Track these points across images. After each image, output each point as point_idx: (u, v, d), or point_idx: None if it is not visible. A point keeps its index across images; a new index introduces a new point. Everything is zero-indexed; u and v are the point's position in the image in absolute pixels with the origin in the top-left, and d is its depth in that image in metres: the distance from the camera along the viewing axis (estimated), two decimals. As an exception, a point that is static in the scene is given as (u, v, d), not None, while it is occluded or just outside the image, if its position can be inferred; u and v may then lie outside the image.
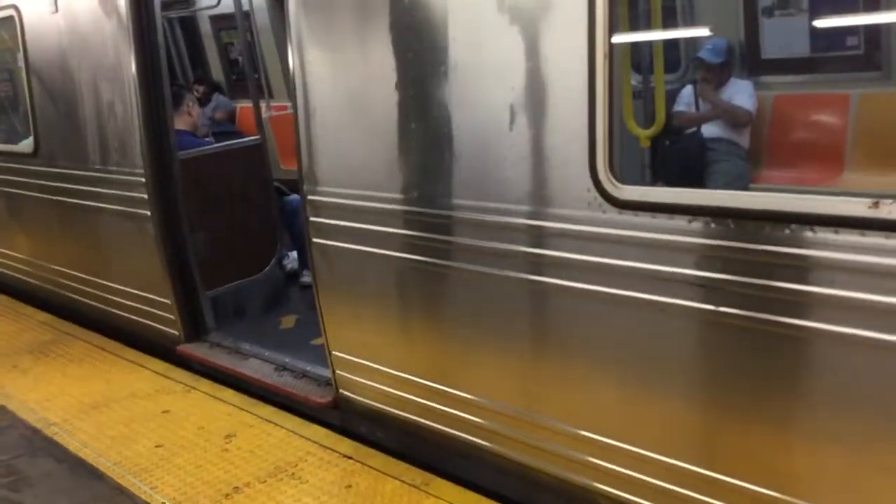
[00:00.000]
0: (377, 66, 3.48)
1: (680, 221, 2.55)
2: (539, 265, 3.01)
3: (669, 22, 5.07)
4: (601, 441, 2.98)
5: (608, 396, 2.94)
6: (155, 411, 4.49)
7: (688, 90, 5.62)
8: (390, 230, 3.57)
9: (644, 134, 4.38)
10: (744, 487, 2.60)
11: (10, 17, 5.98)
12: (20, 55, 5.94)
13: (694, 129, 5.43)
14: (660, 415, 2.80)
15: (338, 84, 3.73)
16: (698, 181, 5.19)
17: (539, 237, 2.98)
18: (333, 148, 3.81)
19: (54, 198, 6.01)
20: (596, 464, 3.02)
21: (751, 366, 2.51)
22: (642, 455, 2.86)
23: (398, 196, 3.50)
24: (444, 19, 3.17)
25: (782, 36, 5.57)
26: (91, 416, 4.48)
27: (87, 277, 5.95)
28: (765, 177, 5.57)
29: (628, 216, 2.68)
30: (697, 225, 2.52)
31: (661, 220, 2.60)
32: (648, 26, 4.52)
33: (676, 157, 5.19)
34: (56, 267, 6.30)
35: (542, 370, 3.15)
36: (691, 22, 5.70)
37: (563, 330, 3.04)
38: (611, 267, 2.76)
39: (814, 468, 2.45)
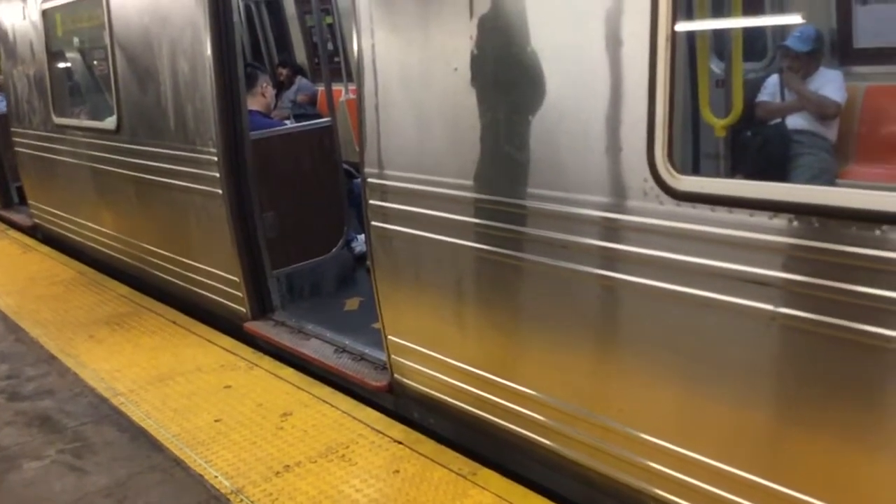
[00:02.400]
0: (441, 49, 3.42)
1: (741, 215, 2.41)
2: (595, 257, 2.91)
3: (753, 8, 4.82)
4: (657, 444, 2.87)
5: (663, 397, 2.82)
6: (217, 386, 4.58)
7: (773, 79, 5.35)
8: (448, 216, 3.51)
9: (720, 123, 4.18)
10: (806, 502, 2.45)
11: (98, -3, 6.17)
12: (105, 33, 6.12)
13: (778, 120, 5.17)
14: (718, 419, 2.67)
15: (402, 67, 3.69)
16: (780, 174, 4.95)
17: (595, 227, 2.88)
18: (395, 131, 3.77)
19: (135, 174, 6.19)
20: (650, 466, 2.90)
21: (821, 373, 2.36)
22: (699, 461, 2.73)
23: (457, 181, 3.44)
24: (509, 2, 3.09)
25: (876, 24, 5.23)
26: (157, 388, 4.60)
27: (163, 252, 6.11)
28: (852, 173, 5.26)
29: (686, 208, 2.55)
30: (760, 219, 2.37)
31: (721, 213, 2.46)
32: (728, 12, 4.31)
33: (757, 148, 4.95)
34: (135, 241, 6.51)
35: (598, 366, 3.05)
36: (778, 8, 5.42)
37: (619, 326, 2.94)
38: (667, 261, 2.64)
39: (888, 484, 2.28)
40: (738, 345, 2.55)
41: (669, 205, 2.58)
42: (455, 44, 3.32)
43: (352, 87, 9.47)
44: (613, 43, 2.71)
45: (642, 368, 2.87)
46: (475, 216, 3.38)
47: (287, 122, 6.88)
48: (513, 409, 3.43)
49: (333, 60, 9.32)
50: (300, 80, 10.49)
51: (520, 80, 3.08)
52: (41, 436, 4.14)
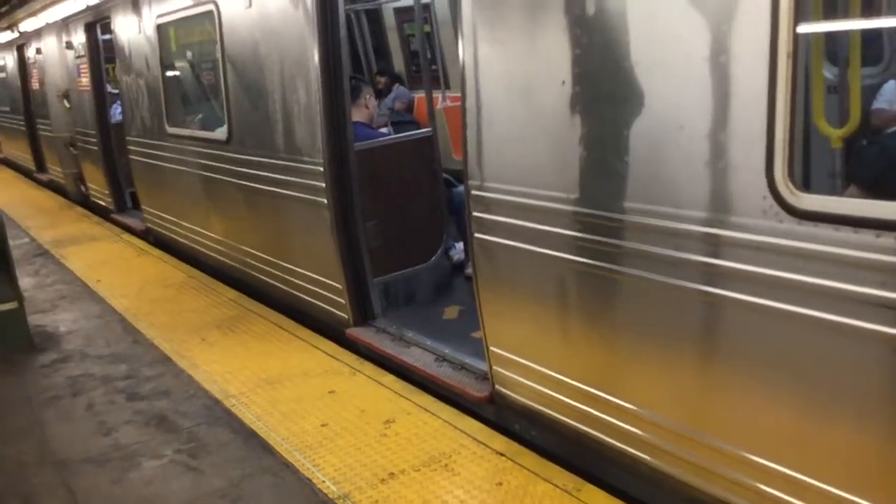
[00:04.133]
0: (547, 61, 3.43)
1: (867, 236, 2.32)
2: (708, 274, 2.85)
3: (869, 9, 4.61)
4: (767, 466, 2.79)
5: (776, 419, 2.74)
6: (323, 391, 4.71)
7: (891, 85, 5.11)
8: (554, 229, 3.51)
9: (836, 134, 4.02)
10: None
11: (210, 12, 6.42)
12: (217, 47, 6.37)
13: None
14: (833, 444, 2.58)
15: (506, 78, 3.71)
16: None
17: (709, 245, 2.82)
18: (499, 143, 3.80)
19: (244, 183, 6.43)
20: (760, 489, 2.83)
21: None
22: (811, 485, 2.65)
23: (563, 195, 3.43)
24: (617, 14, 3.07)
25: None
26: (266, 391, 4.76)
27: (269, 258, 6.32)
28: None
29: (808, 227, 2.47)
30: (888, 241, 2.28)
31: (846, 233, 2.38)
32: (844, 14, 4.14)
33: (874, 159, 4.73)
34: (242, 247, 6.75)
35: (706, 385, 2.99)
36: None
37: (730, 344, 2.87)
38: (787, 281, 2.57)
39: None
40: (859, 369, 2.46)
41: (790, 223, 2.51)
42: (562, 57, 3.32)
43: (449, 94, 9.60)
44: (729, 54, 2.66)
45: (754, 388, 2.80)
46: (580, 230, 3.36)
47: (385, 128, 7.00)
48: (617, 424, 3.40)
49: (431, 69, 9.42)
50: (398, 88, 10.65)
51: (629, 94, 3.05)
52: (159, 435, 4.34)
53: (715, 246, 2.80)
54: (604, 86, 3.17)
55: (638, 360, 3.27)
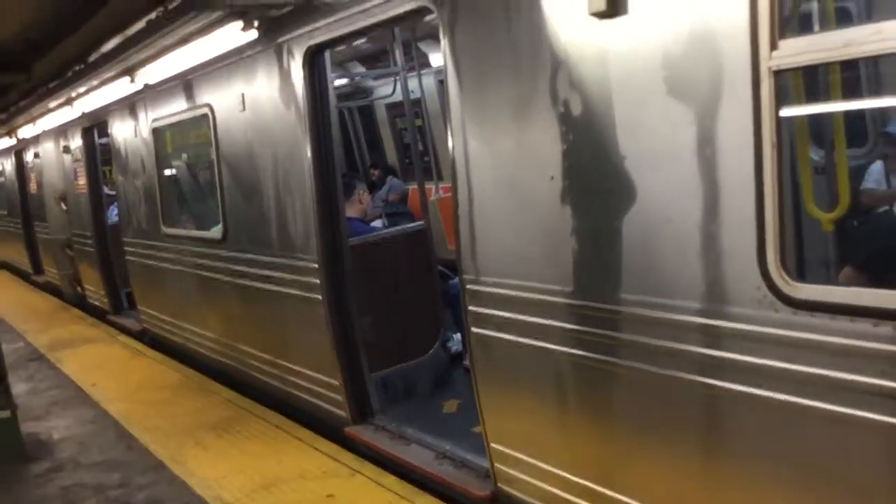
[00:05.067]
0: (535, 155, 3.47)
1: (864, 325, 2.30)
2: (704, 365, 2.82)
3: (851, 94, 4.72)
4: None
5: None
6: (321, 494, 4.58)
7: (877, 166, 5.20)
8: (549, 322, 3.49)
9: (827, 217, 4.05)
10: None
11: (205, 115, 6.55)
12: (212, 149, 6.47)
13: (886, 208, 4.99)
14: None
15: (496, 173, 3.75)
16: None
17: (704, 336, 2.80)
18: (492, 237, 3.81)
19: (239, 281, 6.42)
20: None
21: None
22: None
23: (557, 288, 3.42)
24: (602, 110, 3.12)
25: None
26: (262, 497, 4.63)
27: (265, 356, 6.26)
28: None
29: (804, 317, 2.45)
30: (885, 329, 2.25)
31: (842, 322, 2.36)
32: (826, 98, 4.23)
33: (866, 239, 4.77)
34: (238, 345, 6.69)
35: (710, 478, 2.91)
36: (878, 93, 5.30)
37: (731, 437, 2.82)
38: (783, 372, 2.53)
39: None
40: (861, 459, 2.41)
41: (785, 313, 2.49)
42: (550, 152, 3.36)
43: (442, 185, 9.71)
44: (714, 146, 2.69)
45: (756, 480, 2.73)
46: (575, 323, 3.34)
47: (379, 220, 7.06)
48: (625, 522, 3.30)
49: (424, 159, 9.58)
50: (391, 180, 10.81)
51: (618, 187, 3.07)
52: (152, 548, 4.20)
53: (713, 337, 2.77)
54: (592, 180, 3.21)
55: (640, 455, 3.19)
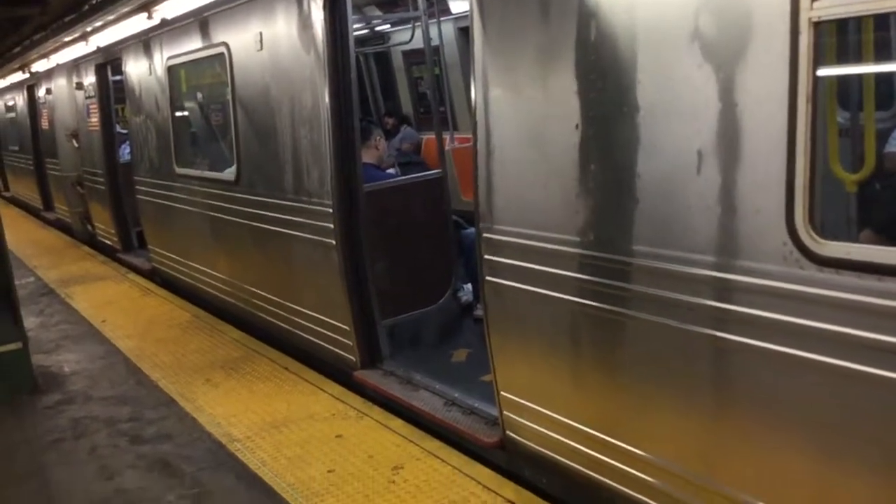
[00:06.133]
0: (559, 105, 3.42)
1: (891, 284, 2.27)
2: (722, 320, 2.81)
3: (884, 54, 4.62)
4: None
5: (794, 468, 2.67)
6: (329, 435, 4.63)
7: (903, 129, 5.10)
8: (565, 273, 3.47)
9: (851, 178, 3.99)
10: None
11: (221, 54, 6.47)
12: (228, 88, 6.41)
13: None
14: (854, 494, 2.51)
15: (519, 122, 3.71)
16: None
17: (724, 290, 2.78)
18: (511, 186, 3.78)
19: (251, 223, 6.41)
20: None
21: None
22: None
23: (575, 238, 3.40)
24: (631, 59, 3.06)
25: None
26: (271, 435, 4.68)
27: (276, 299, 6.28)
28: None
29: (830, 274, 2.43)
30: (915, 289, 2.23)
31: (870, 281, 2.33)
32: (858, 59, 4.14)
33: (887, 204, 4.70)
34: (249, 287, 6.71)
35: (721, 433, 2.92)
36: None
37: (746, 392, 2.81)
38: (806, 328, 2.51)
39: None
40: (884, 418, 2.40)
41: (811, 270, 2.47)
42: (575, 101, 3.31)
43: (457, 136, 9.63)
44: (747, 99, 2.64)
45: (771, 436, 2.73)
46: (593, 274, 3.32)
47: (392, 169, 7.01)
48: (630, 472, 3.32)
49: (439, 110, 9.48)
50: (405, 129, 10.72)
51: (645, 138, 3.03)
52: (162, 480, 4.26)
53: (733, 292, 2.75)
54: (617, 130, 3.16)
55: (651, 406, 3.20)
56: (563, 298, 3.51)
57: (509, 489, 3.83)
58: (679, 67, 2.87)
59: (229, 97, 6.45)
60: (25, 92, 14.99)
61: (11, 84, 16.24)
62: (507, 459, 4.13)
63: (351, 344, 5.40)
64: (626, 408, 3.34)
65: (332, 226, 5.25)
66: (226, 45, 6.39)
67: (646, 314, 3.11)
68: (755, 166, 2.64)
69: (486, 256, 3.93)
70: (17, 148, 16.82)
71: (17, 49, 11.35)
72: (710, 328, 2.86)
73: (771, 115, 2.55)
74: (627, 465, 3.33)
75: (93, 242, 11.74)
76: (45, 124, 13.84)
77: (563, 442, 3.66)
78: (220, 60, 6.55)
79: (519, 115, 3.70)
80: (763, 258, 2.62)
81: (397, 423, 4.69)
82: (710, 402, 2.96)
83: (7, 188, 19.55)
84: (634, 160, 3.09)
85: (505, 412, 4.03)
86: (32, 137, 14.96)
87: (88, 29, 8.77)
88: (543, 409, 3.76)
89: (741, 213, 2.69)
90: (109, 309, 8.00)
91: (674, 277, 2.97)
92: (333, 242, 5.27)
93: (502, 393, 4.01)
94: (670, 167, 2.95)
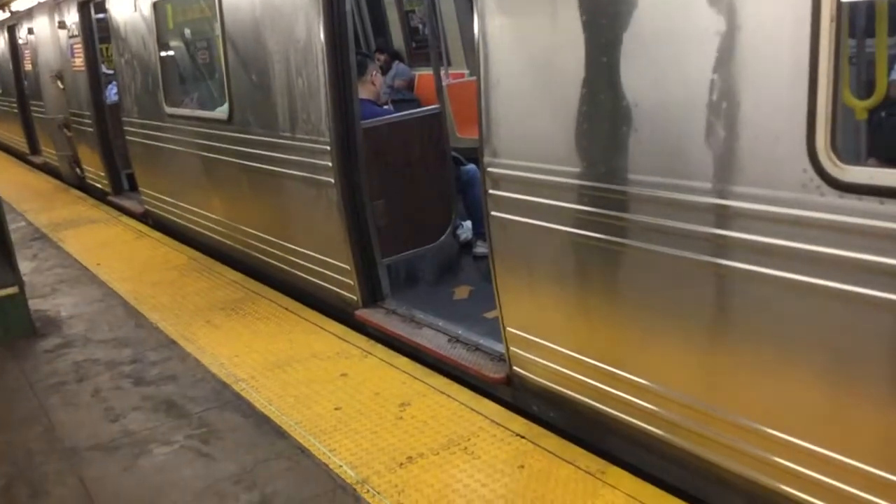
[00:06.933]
0: (565, 32, 3.31)
1: (915, 209, 2.24)
2: (736, 249, 2.77)
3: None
4: (790, 441, 2.73)
5: (808, 397, 2.67)
6: (334, 373, 4.62)
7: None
8: (573, 206, 3.42)
9: (861, 105, 3.93)
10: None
11: (210, -12, 6.27)
12: (217, 24, 6.22)
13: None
14: (868, 422, 2.51)
15: (523, 52, 3.60)
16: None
17: (739, 219, 2.73)
18: (516, 119, 3.69)
19: (246, 163, 6.30)
20: (783, 465, 2.77)
21: None
22: (832, 458, 2.60)
23: (582, 170, 3.33)
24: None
25: None
26: (275, 375, 4.67)
27: (274, 240, 6.21)
28: None
29: (851, 200, 2.38)
30: (939, 214, 2.19)
31: (891, 206, 2.29)
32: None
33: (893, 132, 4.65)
34: (246, 228, 6.64)
35: (731, 362, 2.91)
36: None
37: (759, 321, 2.78)
38: (825, 256, 2.48)
39: None
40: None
41: (831, 196, 2.42)
42: (574, 26, 3.21)
43: (451, 71, 9.45)
44: (763, 18, 2.55)
45: (785, 366, 2.73)
46: (601, 206, 3.27)
47: (387, 106, 6.88)
48: (637, 403, 3.33)
49: (436, 45, 9.27)
50: (397, 66, 10.51)
51: (657, 63, 2.94)
52: (168, 421, 4.26)
53: (749, 221, 2.71)
54: (623, 57, 3.06)
55: (655, 337, 3.19)
56: (568, 231, 3.46)
57: (518, 424, 3.85)
58: (694, -10, 2.76)
59: (219, 33, 6.26)
60: (6, 33, 14.60)
61: (-10, 25, 15.80)
62: (514, 395, 4.13)
63: (351, 283, 5.36)
64: (630, 339, 3.32)
65: (329, 164, 5.16)
66: (213, -23, 6.18)
67: (655, 245, 3.07)
68: (775, 90, 2.56)
69: (491, 191, 3.87)
70: (-1, 91, 16.48)
71: (-5, -13, 10.99)
72: (719, 257, 2.83)
73: (791, 36, 2.46)
74: (633, 396, 3.34)
75: (82, 186, 11.57)
76: (28, 66, 13.51)
77: (569, 376, 3.66)
78: (208, -6, 6.35)
79: (523, 44, 3.59)
80: (783, 186, 2.57)
81: (402, 360, 4.69)
82: (718, 332, 2.94)
83: (-9, 132, 19.20)
84: (643, 88, 3.01)
85: (511, 347, 4.02)
86: (15, 79, 14.63)
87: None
88: (549, 344, 3.75)
89: (759, 141, 2.62)
90: (103, 252, 7.92)
91: (685, 207, 2.92)
92: (332, 181, 5.18)
93: (508, 328, 4.00)
94: (682, 94, 2.87)
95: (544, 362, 3.81)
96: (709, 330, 2.99)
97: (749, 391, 2.89)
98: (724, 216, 2.79)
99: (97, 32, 9.92)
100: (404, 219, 5.55)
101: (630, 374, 3.35)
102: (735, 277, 2.82)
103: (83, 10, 9.77)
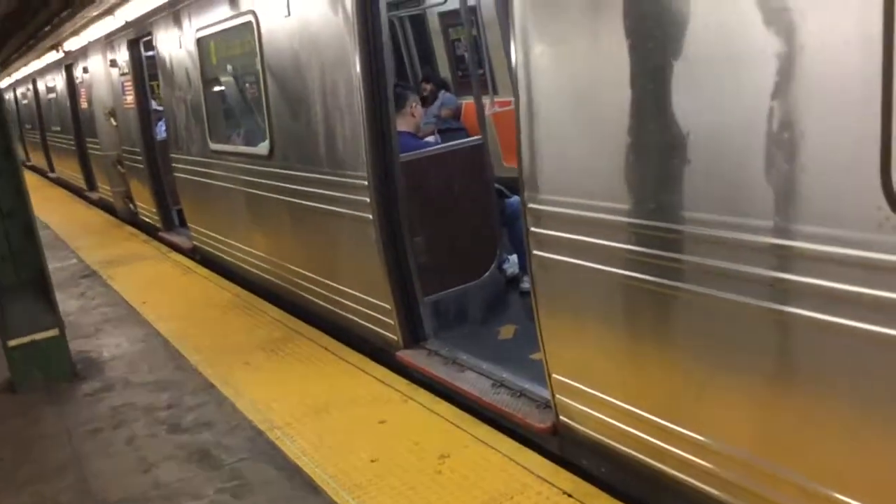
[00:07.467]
0: (610, 59, 3.07)
1: None
2: (801, 295, 2.47)
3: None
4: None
5: (881, 460, 2.35)
6: (372, 420, 4.41)
7: None
8: (620, 245, 3.15)
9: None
10: None
11: (249, 22, 6.20)
12: (257, 59, 6.14)
13: None
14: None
15: (564, 80, 3.37)
16: None
17: (803, 262, 2.44)
18: (558, 151, 3.45)
19: (286, 198, 6.19)
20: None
21: None
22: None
23: (629, 207, 3.08)
24: (690, 3, 2.70)
25: None
26: (312, 421, 4.48)
27: (316, 277, 6.06)
28: None
29: (935, 243, 2.08)
30: None
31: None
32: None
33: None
34: (287, 265, 6.51)
35: (796, 418, 2.60)
36: None
37: (828, 374, 2.48)
38: (907, 305, 2.18)
39: None
40: None
41: (912, 238, 2.12)
42: (619, 52, 2.97)
43: (497, 99, 9.26)
44: (826, 40, 2.28)
45: (862, 426, 2.41)
46: (652, 247, 3.00)
47: (432, 137, 6.71)
48: (695, 461, 3.03)
49: (477, 73, 9.09)
50: (444, 95, 10.34)
51: (713, 92, 2.68)
52: (201, 472, 4.09)
53: (816, 263, 2.42)
54: (674, 84, 2.81)
55: (717, 390, 2.89)
56: (615, 273, 3.20)
57: (565, 479, 3.57)
58: (754, 9, 2.50)
59: (259, 68, 6.19)
60: (64, 71, 14.96)
61: (49, 64, 16.23)
62: (561, 446, 3.85)
63: (392, 323, 5.16)
64: (687, 392, 3.03)
65: (367, 199, 4.99)
66: (253, 12, 6.12)
67: (713, 290, 2.79)
68: (841, 119, 2.28)
69: (532, 229, 3.63)
70: (59, 128, 16.88)
71: (48, 28, 11.22)
72: (784, 304, 2.53)
73: (862, 57, 2.18)
74: (691, 454, 3.04)
75: (135, 221, 11.69)
76: (84, 104, 13.80)
77: (620, 428, 3.38)
78: (248, 29, 6.28)
79: (565, 72, 3.36)
80: (854, 225, 2.28)
81: (443, 407, 4.44)
82: (784, 384, 2.64)
83: (52, 169, 19.71)
84: (694, 118, 2.75)
85: (557, 395, 3.75)
86: (73, 117, 14.97)
87: (114, 1, 8.58)
88: (598, 393, 3.47)
89: (825, 174, 2.34)
90: (150, 290, 7.89)
91: (742, 248, 2.64)
92: (370, 216, 5.01)
93: (554, 375, 3.73)
94: (737, 124, 2.60)
95: (593, 413, 3.53)
96: (771, 383, 2.69)
97: (818, 451, 2.58)
98: (786, 258, 2.51)
99: (147, 69, 10.03)
100: (447, 254, 5.34)
101: (685, 428, 3.06)
102: (800, 326, 2.52)
103: (133, 47, 9.90)
